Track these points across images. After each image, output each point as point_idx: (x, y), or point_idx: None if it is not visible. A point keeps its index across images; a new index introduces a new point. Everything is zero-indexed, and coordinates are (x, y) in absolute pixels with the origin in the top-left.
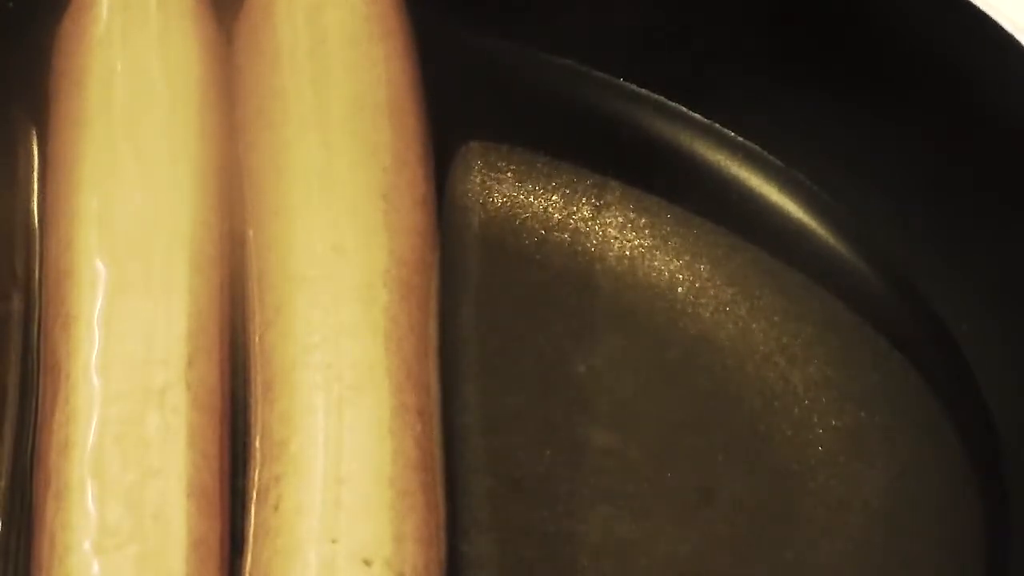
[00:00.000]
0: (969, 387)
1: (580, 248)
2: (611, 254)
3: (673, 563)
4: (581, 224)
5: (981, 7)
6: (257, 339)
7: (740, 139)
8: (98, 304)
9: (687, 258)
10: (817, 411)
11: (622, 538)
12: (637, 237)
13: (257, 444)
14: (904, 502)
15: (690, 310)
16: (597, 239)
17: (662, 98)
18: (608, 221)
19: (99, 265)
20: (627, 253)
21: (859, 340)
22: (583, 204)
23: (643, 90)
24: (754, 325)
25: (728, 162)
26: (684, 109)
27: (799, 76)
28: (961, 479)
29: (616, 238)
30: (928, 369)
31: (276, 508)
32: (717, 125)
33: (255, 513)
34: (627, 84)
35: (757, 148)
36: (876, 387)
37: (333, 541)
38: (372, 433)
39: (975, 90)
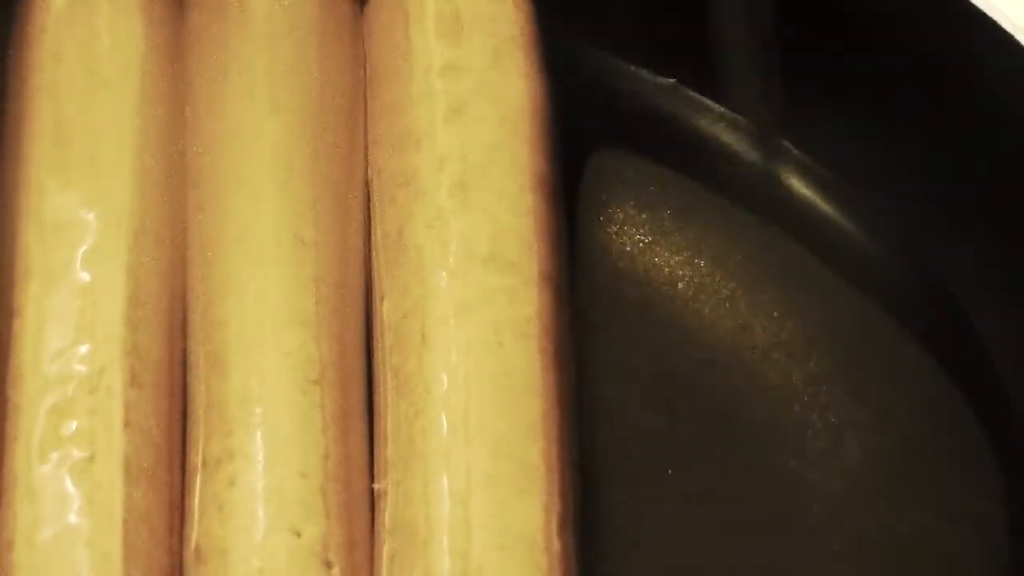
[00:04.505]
0: (990, 378)
1: (580, 244)
2: (611, 249)
3: (672, 560)
4: (582, 218)
5: (981, 7)
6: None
7: (748, 126)
8: (38, 294)
9: (687, 253)
10: (817, 407)
11: (623, 536)
12: (637, 232)
13: (202, 415)
14: (911, 500)
15: (690, 305)
16: (597, 234)
17: (668, 80)
18: (608, 217)
19: (36, 253)
20: (627, 248)
21: (862, 335)
22: (582, 199)
23: (646, 72)
24: (754, 321)
25: (731, 154)
26: (692, 93)
27: (803, 70)
28: (979, 475)
29: (616, 233)
30: (937, 364)
31: (232, 484)
32: (721, 109)
33: (201, 484)
34: (629, 65)
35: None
36: (879, 383)
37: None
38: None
39: (975, 90)
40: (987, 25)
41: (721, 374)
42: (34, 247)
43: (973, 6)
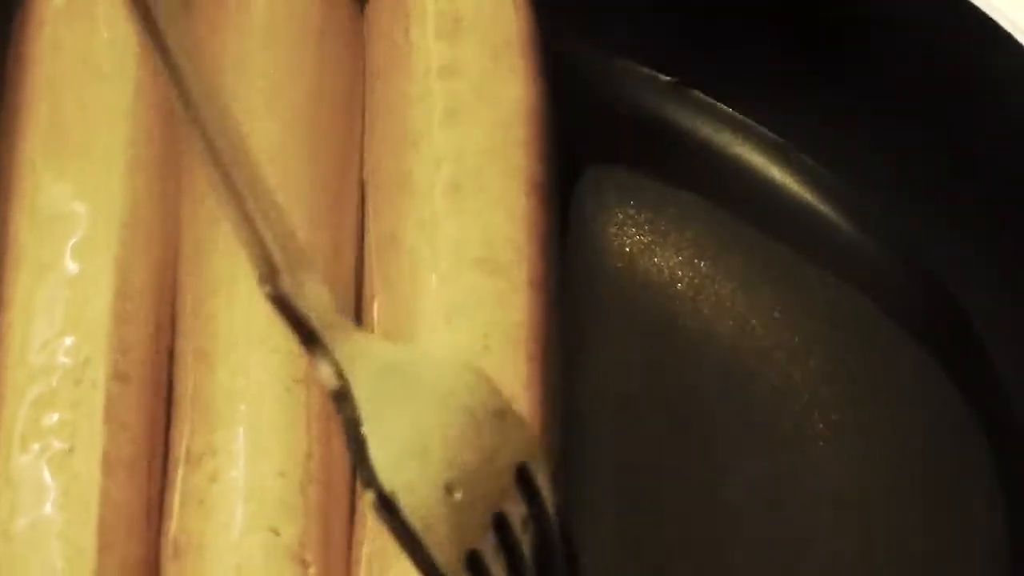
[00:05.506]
0: (990, 378)
1: (578, 244)
2: (610, 250)
3: (672, 561)
4: (580, 219)
5: (981, 7)
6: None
7: (747, 121)
8: (28, 285)
9: (687, 253)
10: (818, 406)
11: (623, 536)
12: (636, 232)
13: (187, 411)
14: (910, 501)
15: (689, 306)
16: (596, 234)
17: (668, 80)
18: (607, 217)
19: (28, 244)
20: (626, 249)
21: (863, 333)
22: (581, 199)
23: (646, 73)
24: (754, 320)
25: (731, 150)
26: (692, 93)
27: (802, 71)
28: (979, 476)
29: (615, 234)
30: (937, 364)
31: (214, 480)
32: (720, 105)
33: (183, 479)
34: (628, 65)
35: (764, 131)
36: (879, 383)
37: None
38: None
39: (975, 90)
40: (987, 25)
41: (721, 374)
42: (26, 237)
43: (973, 6)
